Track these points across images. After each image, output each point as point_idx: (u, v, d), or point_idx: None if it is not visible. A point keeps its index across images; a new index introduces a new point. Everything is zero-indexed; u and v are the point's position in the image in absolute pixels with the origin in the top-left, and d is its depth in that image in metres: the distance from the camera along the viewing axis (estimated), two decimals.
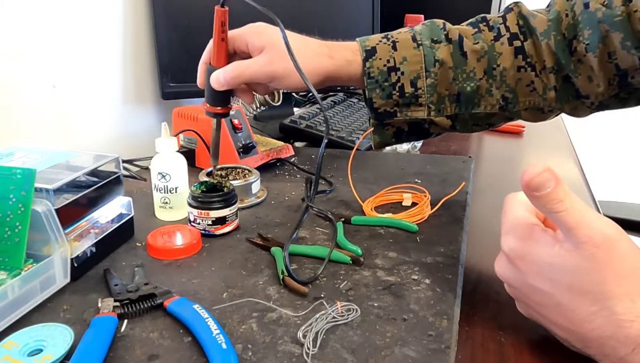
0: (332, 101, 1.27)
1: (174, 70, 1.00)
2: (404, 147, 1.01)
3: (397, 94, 0.64)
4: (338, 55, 0.65)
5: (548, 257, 0.40)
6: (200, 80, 0.65)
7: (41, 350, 0.41)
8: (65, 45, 0.84)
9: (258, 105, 1.00)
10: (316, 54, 0.64)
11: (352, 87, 1.30)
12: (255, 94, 0.68)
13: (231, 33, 0.63)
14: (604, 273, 0.37)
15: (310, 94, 1.41)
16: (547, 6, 0.66)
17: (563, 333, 0.42)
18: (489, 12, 1.37)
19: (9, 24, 0.74)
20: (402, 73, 0.64)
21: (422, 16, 1.11)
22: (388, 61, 0.64)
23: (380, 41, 0.65)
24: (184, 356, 0.42)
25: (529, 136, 1.16)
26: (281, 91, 1.04)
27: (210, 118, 0.65)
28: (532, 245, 0.41)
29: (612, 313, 0.37)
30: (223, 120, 0.71)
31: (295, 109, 1.29)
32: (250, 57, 0.63)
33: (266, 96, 0.95)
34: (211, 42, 0.63)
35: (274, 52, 0.61)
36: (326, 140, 0.61)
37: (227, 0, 0.59)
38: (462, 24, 0.68)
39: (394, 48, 0.64)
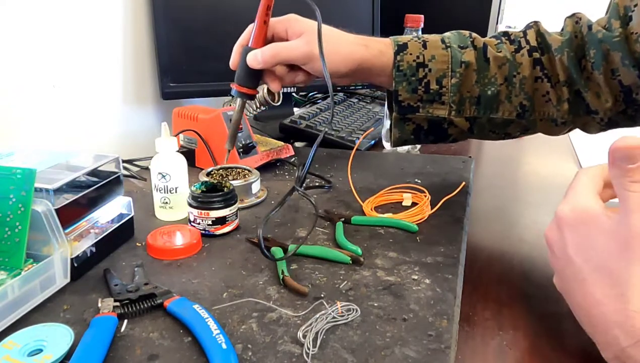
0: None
1: (174, 70, 1.00)
2: (404, 146, 1.01)
3: (423, 89, 0.67)
4: (372, 46, 0.68)
5: (594, 231, 0.41)
6: (234, 61, 0.68)
7: (41, 350, 0.41)
8: (65, 45, 0.84)
9: (258, 105, 1.00)
10: (353, 42, 0.68)
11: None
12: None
13: (272, 20, 0.66)
14: (636, 263, 0.38)
15: (316, 93, 1.42)
16: (561, 29, 0.70)
17: (580, 313, 0.42)
18: (488, 12, 1.37)
19: (9, 24, 0.74)
20: (430, 70, 0.67)
21: (422, 16, 1.11)
22: (418, 57, 0.67)
23: (412, 39, 0.69)
24: (184, 356, 0.42)
25: (529, 136, 1.15)
26: (281, 92, 1.05)
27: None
28: (585, 220, 0.42)
29: (626, 302, 0.38)
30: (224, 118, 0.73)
31: (295, 109, 1.29)
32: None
33: (266, 96, 0.96)
34: (250, 26, 0.66)
35: (312, 35, 0.64)
36: (325, 130, 0.64)
37: None
38: (485, 37, 0.72)
39: (424, 46, 0.68)
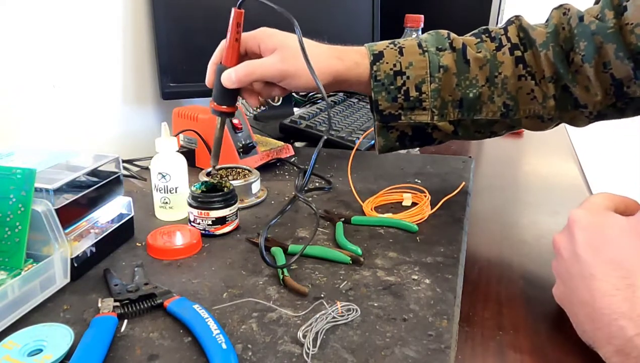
0: (332, 101, 1.26)
1: (174, 70, 1.00)
2: None
3: (402, 97, 0.66)
4: (347, 58, 0.66)
5: (608, 228, 0.42)
6: (209, 80, 0.66)
7: (41, 350, 0.41)
8: (65, 45, 0.84)
9: (258, 105, 1.00)
10: (327, 56, 0.66)
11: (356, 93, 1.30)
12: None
13: (244, 35, 0.64)
14: None
15: (316, 93, 1.42)
16: (546, 21, 0.68)
17: (582, 311, 0.42)
18: (488, 12, 1.38)
19: (9, 24, 0.74)
20: (408, 77, 0.66)
21: (422, 16, 1.11)
22: (394, 65, 0.66)
23: (388, 46, 0.67)
24: (184, 356, 0.42)
25: (529, 136, 1.15)
26: None
27: (215, 118, 0.66)
28: (599, 220, 0.43)
29: (635, 291, 0.38)
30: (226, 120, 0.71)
31: (295, 109, 1.29)
32: (261, 58, 0.64)
33: None
34: (222, 42, 0.64)
35: (286, 51, 0.63)
36: (325, 136, 0.62)
37: (244, 3, 0.61)
38: (466, 35, 0.70)
39: (401, 53, 0.66)
